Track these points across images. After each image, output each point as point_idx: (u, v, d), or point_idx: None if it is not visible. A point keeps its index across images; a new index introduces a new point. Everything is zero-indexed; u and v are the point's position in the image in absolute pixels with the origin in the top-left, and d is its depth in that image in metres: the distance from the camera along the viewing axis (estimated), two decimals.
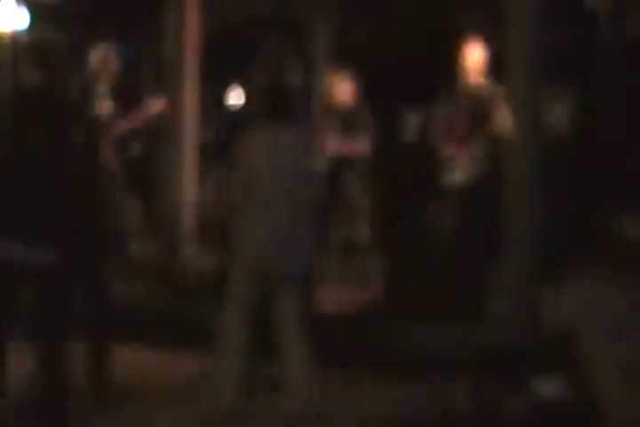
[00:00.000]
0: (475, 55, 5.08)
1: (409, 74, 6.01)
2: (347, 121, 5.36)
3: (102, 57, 5.20)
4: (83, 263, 3.64)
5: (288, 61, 5.10)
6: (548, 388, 3.30)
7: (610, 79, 5.10)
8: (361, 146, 5.35)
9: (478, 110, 5.06)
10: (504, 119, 4.79)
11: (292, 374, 3.60)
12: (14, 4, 5.70)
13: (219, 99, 7.26)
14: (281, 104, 3.66)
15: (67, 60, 3.40)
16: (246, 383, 3.61)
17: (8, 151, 3.27)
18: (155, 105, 5.43)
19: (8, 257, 3.25)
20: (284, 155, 3.62)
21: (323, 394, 3.84)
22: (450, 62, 5.20)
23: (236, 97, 8.33)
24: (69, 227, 3.33)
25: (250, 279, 3.58)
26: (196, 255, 5.09)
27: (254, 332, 3.60)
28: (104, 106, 4.49)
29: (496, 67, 5.01)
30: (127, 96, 5.34)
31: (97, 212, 3.75)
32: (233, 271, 3.63)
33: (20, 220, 3.27)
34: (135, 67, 6.45)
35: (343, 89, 5.44)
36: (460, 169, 5.12)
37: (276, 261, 3.56)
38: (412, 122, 5.70)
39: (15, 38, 5.40)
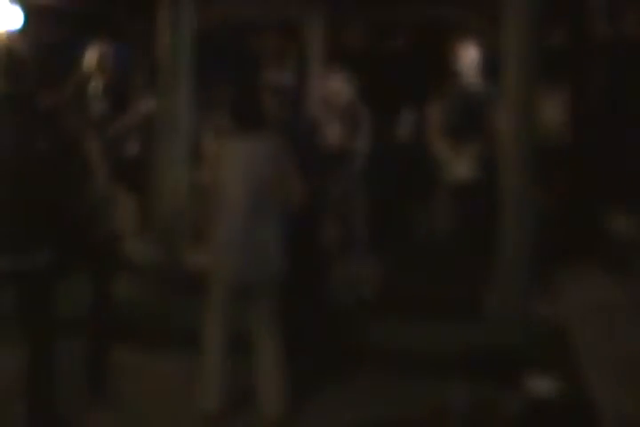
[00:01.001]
0: (469, 54, 5.08)
1: (405, 73, 6.01)
2: (345, 120, 5.30)
3: (98, 56, 5.22)
4: (82, 263, 3.73)
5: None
6: (544, 387, 3.30)
7: (604, 78, 5.12)
8: (359, 144, 5.36)
9: (474, 109, 5.06)
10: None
11: (265, 375, 3.66)
12: (7, 3, 5.69)
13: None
14: (250, 114, 3.72)
15: (34, 69, 3.48)
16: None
17: None
18: (149, 103, 5.45)
19: None
20: (254, 164, 3.64)
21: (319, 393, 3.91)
22: (445, 61, 5.20)
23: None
24: (53, 229, 3.36)
25: (227, 295, 3.65)
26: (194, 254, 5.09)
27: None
28: (98, 104, 4.49)
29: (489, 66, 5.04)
30: (122, 95, 5.36)
31: (86, 212, 3.73)
32: (211, 287, 3.69)
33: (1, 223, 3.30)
34: (129, 66, 6.46)
35: (340, 88, 5.36)
36: (456, 168, 5.11)
37: (247, 274, 3.62)
38: (407, 121, 5.65)
39: (8, 39, 5.39)
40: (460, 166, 5.10)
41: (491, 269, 4.60)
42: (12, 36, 4.89)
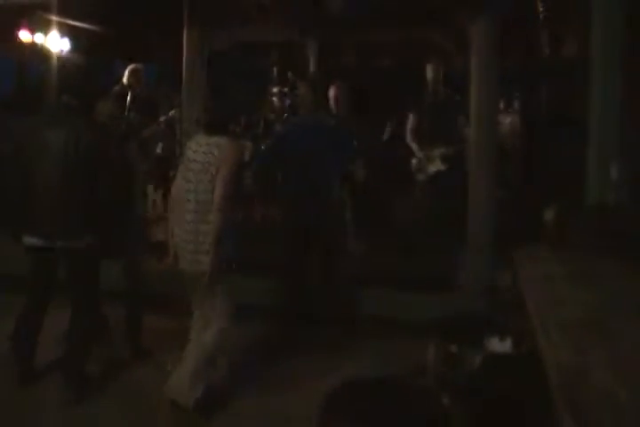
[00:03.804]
0: (436, 70, 5.52)
1: (390, 85, 6.38)
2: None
3: (133, 74, 5.75)
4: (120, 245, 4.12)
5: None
6: (500, 345, 3.51)
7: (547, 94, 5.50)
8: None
9: (443, 116, 5.46)
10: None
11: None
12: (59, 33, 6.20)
13: None
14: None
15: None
16: None
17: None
18: (173, 112, 5.89)
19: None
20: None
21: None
22: (418, 76, 5.64)
23: None
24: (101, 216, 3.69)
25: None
26: None
27: None
28: (133, 112, 4.87)
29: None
30: (151, 104, 5.84)
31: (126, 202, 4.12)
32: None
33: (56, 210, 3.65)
34: (157, 81, 6.87)
35: (339, 98, 5.79)
36: (428, 165, 5.56)
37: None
38: (391, 126, 5.99)
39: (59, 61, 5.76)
40: (431, 163, 5.52)
41: (459, 250, 4.90)
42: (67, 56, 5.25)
